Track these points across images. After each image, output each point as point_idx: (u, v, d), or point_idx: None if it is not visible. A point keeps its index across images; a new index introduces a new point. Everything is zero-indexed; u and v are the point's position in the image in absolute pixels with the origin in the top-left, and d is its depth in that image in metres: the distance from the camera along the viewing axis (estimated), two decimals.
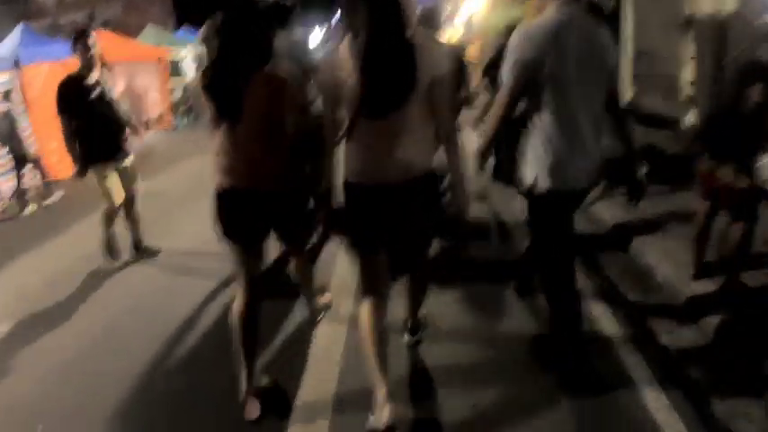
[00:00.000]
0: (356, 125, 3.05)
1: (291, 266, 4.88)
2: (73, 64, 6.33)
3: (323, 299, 4.90)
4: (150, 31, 21.83)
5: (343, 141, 3.17)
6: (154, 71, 19.16)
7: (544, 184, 3.41)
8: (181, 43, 21.95)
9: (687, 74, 8.12)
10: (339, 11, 3.73)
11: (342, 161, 3.24)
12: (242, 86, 3.35)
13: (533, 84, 3.29)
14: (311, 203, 4.06)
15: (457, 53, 6.69)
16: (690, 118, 8.01)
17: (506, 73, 3.34)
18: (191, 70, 21.78)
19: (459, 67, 6.42)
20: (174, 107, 20.37)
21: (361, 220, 3.28)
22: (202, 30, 3.48)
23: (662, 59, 8.71)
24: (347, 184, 3.24)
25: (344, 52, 3.00)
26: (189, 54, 21.92)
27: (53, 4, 31.62)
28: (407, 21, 2.89)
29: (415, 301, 4.07)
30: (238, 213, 3.57)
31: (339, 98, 3.06)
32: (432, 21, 6.32)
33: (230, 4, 3.43)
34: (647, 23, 9.27)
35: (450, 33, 26.75)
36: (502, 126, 3.41)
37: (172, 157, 14.08)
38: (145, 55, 19.03)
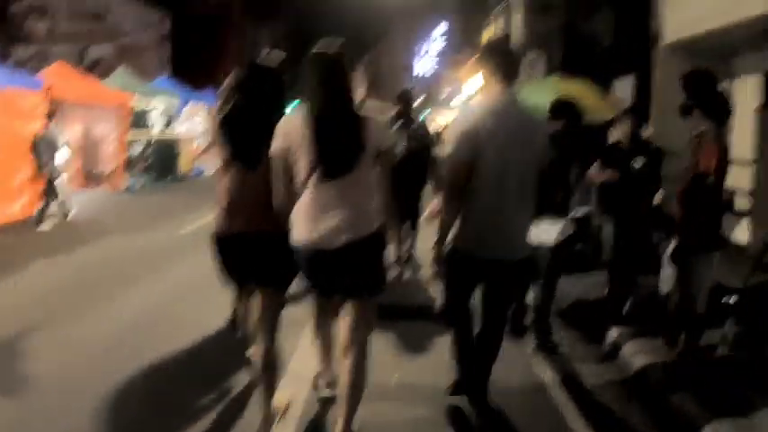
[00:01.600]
0: (307, 188, 3.20)
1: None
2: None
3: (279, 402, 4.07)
4: (120, 74, 18.99)
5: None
6: (113, 119, 16.24)
7: (461, 246, 3.72)
8: (154, 93, 19.00)
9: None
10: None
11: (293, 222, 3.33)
12: (261, 133, 3.38)
13: (469, 162, 3.52)
14: None
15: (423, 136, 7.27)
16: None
17: (447, 155, 3.67)
18: (159, 123, 18.87)
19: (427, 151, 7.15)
20: (131, 163, 17.35)
21: (312, 277, 3.43)
22: (227, 80, 3.71)
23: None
24: (297, 246, 3.30)
25: (297, 120, 3.21)
26: (160, 105, 18.99)
27: (43, 33, 28.64)
28: (352, 93, 3.26)
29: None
30: (249, 256, 3.59)
31: (291, 164, 3.22)
32: (408, 99, 7.48)
33: (251, 64, 3.68)
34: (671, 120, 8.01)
35: (447, 115, 25.06)
36: (456, 204, 3.65)
37: (94, 231, 10.85)
38: (105, 99, 16.28)
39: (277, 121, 3.35)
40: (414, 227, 7.32)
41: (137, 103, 17.47)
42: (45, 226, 10.92)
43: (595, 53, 12.66)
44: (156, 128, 18.73)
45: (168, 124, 19.41)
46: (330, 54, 3.30)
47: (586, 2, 13.95)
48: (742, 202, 8.56)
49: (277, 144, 3.24)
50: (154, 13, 32.83)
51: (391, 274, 4.01)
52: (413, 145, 6.86)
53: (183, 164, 20.09)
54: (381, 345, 4.94)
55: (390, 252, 5.84)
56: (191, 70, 32.08)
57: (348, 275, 3.34)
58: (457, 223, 3.67)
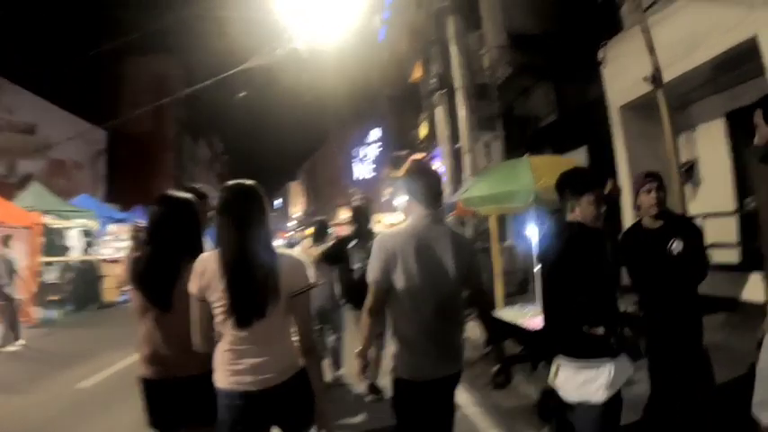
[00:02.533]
0: (225, 333, 3.06)
1: None
2: None
3: None
4: (33, 191, 17.00)
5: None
6: (23, 241, 14.45)
7: (402, 374, 3.55)
8: (72, 212, 17.15)
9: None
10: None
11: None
12: (173, 277, 3.34)
13: (385, 285, 3.50)
14: None
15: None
16: None
17: (368, 276, 3.56)
18: (78, 246, 17.10)
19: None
20: (43, 292, 15.22)
21: (233, 422, 3.12)
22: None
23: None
24: (218, 390, 3.14)
25: (213, 259, 3.04)
26: (79, 226, 17.22)
27: None
28: (267, 232, 3.09)
29: None
30: (175, 402, 3.43)
31: (209, 303, 3.06)
32: (363, 215, 7.46)
33: (164, 199, 3.55)
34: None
35: (390, 216, 24.79)
36: (373, 326, 3.61)
37: None
38: (13, 218, 14.35)
39: (194, 257, 3.19)
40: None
41: (51, 223, 15.68)
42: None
43: (537, 131, 12.06)
44: (74, 251, 16.98)
45: (89, 247, 17.68)
46: (244, 189, 3.14)
47: (522, 84, 13.46)
48: (729, 255, 8.46)
49: (193, 284, 3.10)
50: (88, 128, 30.62)
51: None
52: None
53: (108, 290, 17.91)
54: None
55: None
56: (125, 188, 31.13)
57: (276, 417, 3.18)
58: (393, 352, 3.61)
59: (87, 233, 17.41)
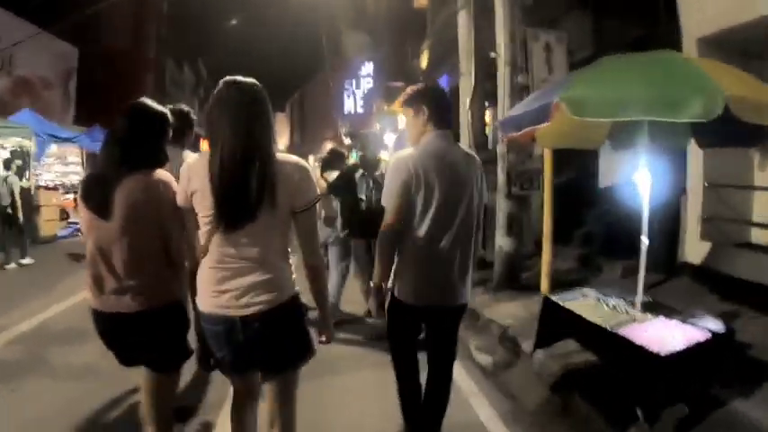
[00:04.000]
0: (211, 240, 2.77)
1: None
2: None
3: None
4: None
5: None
6: None
7: (400, 295, 3.55)
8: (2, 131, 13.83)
9: None
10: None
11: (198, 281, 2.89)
12: (111, 187, 3.10)
13: (406, 208, 3.41)
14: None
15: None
16: None
17: (385, 199, 3.47)
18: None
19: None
20: None
21: (219, 350, 2.91)
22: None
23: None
24: (202, 314, 2.88)
25: (201, 163, 2.76)
26: (7, 145, 14.00)
27: None
28: (269, 133, 2.77)
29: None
30: (123, 337, 3.30)
31: (194, 217, 2.84)
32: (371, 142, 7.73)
33: (132, 107, 3.33)
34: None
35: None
36: (391, 249, 3.50)
37: None
38: None
39: (151, 168, 3.17)
40: None
41: None
42: None
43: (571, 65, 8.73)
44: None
45: (22, 170, 14.26)
46: (245, 84, 2.77)
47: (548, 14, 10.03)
48: None
49: (180, 191, 2.90)
50: (58, 43, 27.62)
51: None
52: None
53: (46, 223, 14.71)
54: (329, 393, 4.70)
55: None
56: (99, 110, 27.61)
57: (266, 349, 2.85)
58: (394, 273, 3.57)
59: (21, 154, 14.08)
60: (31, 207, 14.06)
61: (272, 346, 2.83)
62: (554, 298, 5.07)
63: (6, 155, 13.71)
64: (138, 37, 34.55)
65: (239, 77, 2.79)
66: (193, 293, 2.95)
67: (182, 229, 3.08)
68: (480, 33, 10.06)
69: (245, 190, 2.64)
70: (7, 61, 24.48)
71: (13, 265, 11.45)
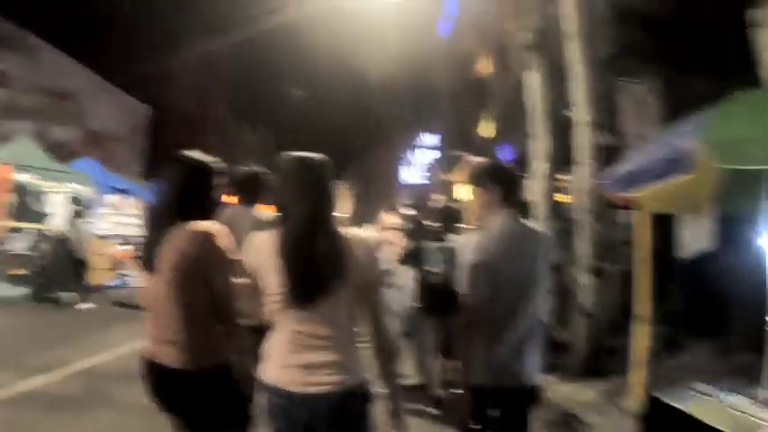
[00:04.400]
0: (279, 322, 2.69)
1: None
2: None
3: None
4: (18, 143, 13.66)
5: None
6: None
7: (477, 379, 3.32)
8: (61, 176, 13.74)
9: None
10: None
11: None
12: (157, 241, 2.98)
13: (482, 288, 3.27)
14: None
15: None
16: None
17: (464, 281, 3.36)
18: (62, 215, 13.58)
19: None
20: (6, 264, 11.87)
21: (273, 423, 2.70)
22: None
23: None
24: (264, 386, 2.70)
25: (268, 236, 2.70)
26: (67, 190, 13.73)
27: (3, 98, 23.56)
28: (334, 208, 2.73)
29: None
30: (159, 388, 3.04)
31: (259, 285, 2.72)
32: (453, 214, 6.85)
33: (175, 158, 3.21)
34: None
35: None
36: (473, 339, 3.33)
37: None
38: None
39: (197, 219, 3.02)
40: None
41: (29, 182, 12.47)
42: None
43: None
44: (55, 219, 13.42)
45: (77, 217, 14.15)
46: (313, 160, 2.76)
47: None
48: None
49: (248, 260, 2.76)
50: (130, 101, 28.48)
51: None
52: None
53: (96, 272, 14.26)
54: None
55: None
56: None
57: (332, 429, 2.64)
58: (467, 357, 3.38)
59: (77, 201, 13.96)
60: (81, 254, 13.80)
61: (331, 427, 2.66)
62: (664, 398, 4.16)
63: (66, 201, 13.60)
64: (206, 99, 35.33)
65: (308, 154, 2.78)
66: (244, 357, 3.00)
67: (230, 285, 2.96)
68: (552, 92, 9.42)
69: (316, 265, 2.59)
70: (80, 113, 25.38)
71: (79, 306, 11.94)
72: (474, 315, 3.28)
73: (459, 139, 24.16)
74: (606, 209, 7.23)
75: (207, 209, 3.17)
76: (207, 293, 2.97)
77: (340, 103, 44.37)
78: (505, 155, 16.05)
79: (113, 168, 18.74)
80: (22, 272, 12.13)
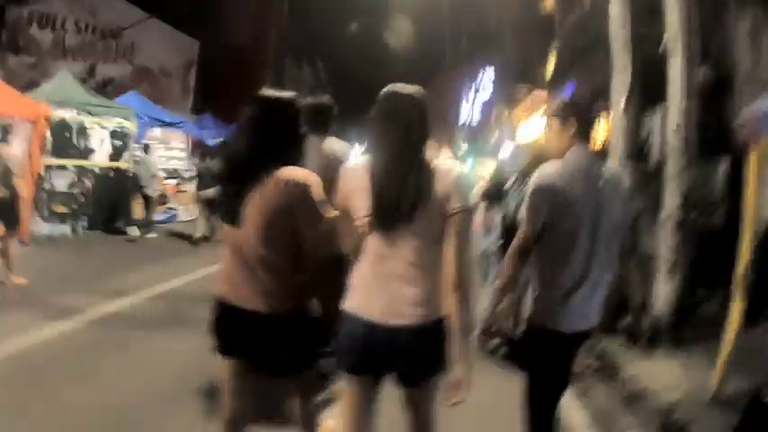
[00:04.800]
0: (365, 242, 2.72)
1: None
2: None
3: None
4: (59, 80, 12.90)
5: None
6: (23, 138, 10.55)
7: (539, 322, 3.28)
8: (103, 111, 13.04)
9: None
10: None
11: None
12: (243, 192, 2.79)
13: (543, 229, 3.19)
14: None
15: None
16: None
17: (525, 213, 3.26)
18: (104, 150, 12.97)
19: None
20: (44, 201, 11.33)
21: (351, 353, 2.73)
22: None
23: None
24: (349, 316, 2.73)
25: (360, 165, 2.76)
26: (109, 126, 13.05)
27: (47, 44, 23.41)
28: (426, 142, 2.74)
29: None
30: (233, 330, 2.96)
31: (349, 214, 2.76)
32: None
33: (259, 99, 2.94)
34: None
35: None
36: (519, 271, 3.29)
37: None
38: (10, 109, 10.36)
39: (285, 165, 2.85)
40: None
41: (71, 118, 11.80)
42: None
43: None
44: (99, 155, 12.80)
45: (122, 152, 13.53)
46: (406, 90, 2.78)
47: None
48: None
49: (339, 189, 2.82)
50: (179, 36, 27.80)
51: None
52: None
53: (140, 206, 13.75)
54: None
55: None
56: (216, 103, 27.47)
57: (403, 361, 2.68)
58: (531, 298, 3.33)
59: (120, 135, 13.33)
60: (127, 189, 13.45)
61: (410, 359, 2.68)
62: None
63: (109, 136, 13.09)
64: (258, 34, 34.28)
65: (402, 86, 2.82)
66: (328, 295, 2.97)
67: (320, 236, 2.87)
68: (637, 22, 8.15)
69: (404, 190, 2.63)
70: (129, 49, 25.10)
71: (134, 237, 12.81)
72: (527, 243, 3.21)
73: (520, 77, 22.83)
74: (700, 156, 6.19)
75: (295, 153, 2.97)
76: (296, 243, 2.87)
77: (398, 37, 43.17)
78: (572, 91, 14.83)
79: (163, 104, 18.61)
80: (62, 209, 11.68)
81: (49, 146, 11.28)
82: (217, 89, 29.41)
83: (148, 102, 15.83)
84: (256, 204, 2.78)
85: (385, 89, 2.81)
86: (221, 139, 17.83)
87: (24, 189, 8.64)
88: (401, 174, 2.64)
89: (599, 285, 3.28)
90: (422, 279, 2.64)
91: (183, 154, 17.72)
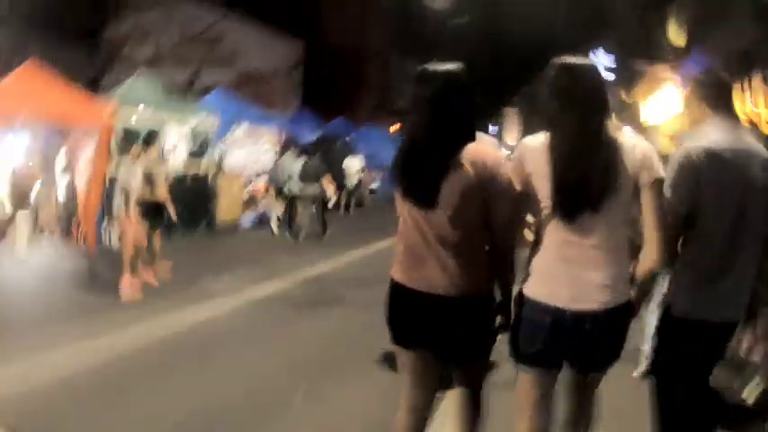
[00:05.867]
0: (548, 235, 2.62)
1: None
2: None
3: None
4: (136, 82, 11.95)
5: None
6: (90, 141, 9.73)
7: (682, 307, 3.01)
8: (180, 111, 12.01)
9: None
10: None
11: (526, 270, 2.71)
12: (443, 168, 2.65)
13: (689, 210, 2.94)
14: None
15: None
16: None
17: (669, 192, 2.88)
18: (176, 153, 12.06)
19: None
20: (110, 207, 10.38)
21: (533, 342, 2.65)
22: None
23: None
24: (533, 304, 2.65)
25: (539, 143, 2.63)
26: (184, 125, 12.06)
27: (145, 57, 23.13)
28: (606, 116, 2.59)
29: None
30: (414, 317, 2.83)
31: (526, 197, 2.66)
32: None
33: (425, 74, 2.74)
34: None
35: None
36: (667, 255, 2.81)
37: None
38: (74, 117, 9.51)
39: (465, 144, 2.66)
40: None
41: (144, 120, 10.95)
42: None
43: None
44: (176, 156, 11.94)
45: (201, 152, 12.56)
46: (583, 64, 2.67)
47: None
48: None
49: (515, 174, 2.67)
50: (281, 38, 27.63)
51: None
52: None
53: (226, 208, 12.88)
54: None
55: None
56: (323, 102, 27.20)
57: (586, 348, 2.62)
58: (670, 282, 3.10)
59: (201, 134, 12.34)
60: (208, 192, 12.55)
61: (593, 345, 2.59)
62: None
63: (187, 137, 12.36)
64: (362, 32, 34.08)
65: (576, 58, 2.68)
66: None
67: (512, 217, 2.72)
68: None
69: (588, 178, 2.49)
70: (230, 55, 24.80)
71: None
72: (677, 225, 2.86)
73: (641, 52, 20.48)
74: None
75: (473, 129, 2.77)
76: (484, 223, 2.73)
77: (504, 27, 41.58)
78: (702, 64, 12.75)
79: (269, 106, 18.42)
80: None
81: (117, 149, 10.44)
82: (324, 89, 29.53)
83: (234, 99, 14.95)
84: (451, 184, 2.62)
85: (554, 63, 2.65)
86: (317, 136, 16.93)
87: (95, 195, 9.09)
88: (586, 155, 2.50)
89: (745, 270, 3.00)
90: (609, 263, 2.53)
91: (272, 151, 16.68)
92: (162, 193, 8.00)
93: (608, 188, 2.48)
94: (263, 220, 14.23)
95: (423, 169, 2.70)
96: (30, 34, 13.29)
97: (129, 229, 7.93)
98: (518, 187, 2.64)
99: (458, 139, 2.66)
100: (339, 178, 17.95)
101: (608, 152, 2.49)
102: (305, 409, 4.51)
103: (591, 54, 32.00)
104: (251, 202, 14.27)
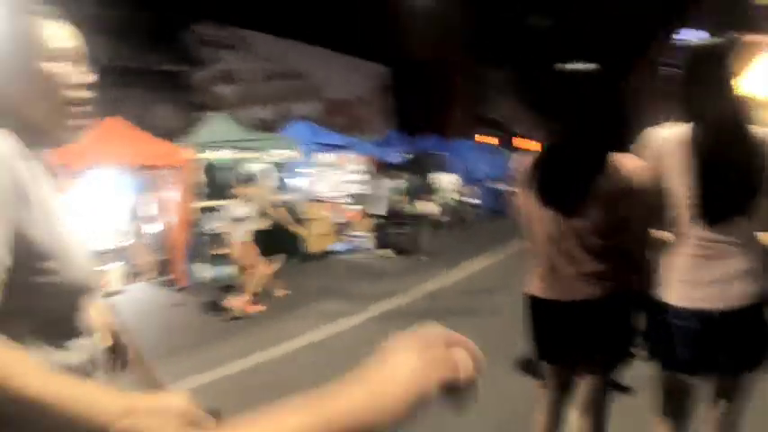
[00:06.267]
0: (684, 234, 2.49)
1: None
2: None
3: None
4: (212, 123, 12.08)
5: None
6: (168, 182, 10.09)
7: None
8: (262, 145, 12.16)
9: None
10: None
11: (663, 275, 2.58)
12: (591, 172, 2.60)
13: None
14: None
15: None
16: None
17: None
18: (267, 184, 12.01)
19: None
20: (203, 245, 10.54)
21: (680, 348, 2.52)
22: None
23: None
24: (670, 309, 2.53)
25: (676, 137, 2.44)
26: (267, 161, 12.24)
27: (234, 98, 23.69)
28: (747, 109, 2.39)
29: None
30: (556, 329, 2.82)
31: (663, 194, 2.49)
32: None
33: (565, 74, 2.68)
34: None
35: None
36: None
37: None
38: (153, 158, 9.88)
39: (606, 154, 2.59)
40: None
41: (221, 159, 11.27)
42: None
43: None
44: (263, 188, 11.87)
45: (282, 183, 12.66)
46: (721, 45, 2.47)
47: None
48: None
49: (651, 163, 2.52)
50: (363, 66, 28.05)
51: None
52: None
53: (314, 238, 12.80)
54: None
55: None
56: (416, 121, 27.43)
57: (734, 349, 2.47)
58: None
59: (281, 166, 12.43)
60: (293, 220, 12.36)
61: (738, 344, 2.44)
62: None
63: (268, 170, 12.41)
64: (445, 47, 33.71)
65: (712, 40, 2.49)
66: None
67: (648, 217, 2.63)
68: None
69: (732, 178, 2.31)
70: (317, 87, 25.28)
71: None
72: None
73: (732, 22, 19.25)
74: None
75: (622, 133, 2.84)
76: (623, 228, 2.63)
77: (592, 29, 40.50)
78: None
79: (362, 133, 18.55)
80: (224, 251, 10.64)
81: (201, 189, 10.65)
82: (411, 108, 29.58)
83: (316, 127, 14.97)
84: (597, 191, 2.55)
85: (690, 45, 2.48)
86: (407, 155, 16.83)
87: (182, 234, 9.62)
88: (735, 151, 2.31)
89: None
90: (748, 255, 2.38)
91: (359, 177, 16.50)
92: (283, 220, 9.17)
93: (753, 191, 2.35)
94: (356, 246, 14.07)
95: (571, 176, 2.63)
96: (123, 84, 13.72)
97: (245, 256, 8.58)
98: (653, 183, 2.52)
99: (607, 145, 2.60)
100: (436, 195, 17.63)
101: (753, 149, 2.34)
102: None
103: (678, 34, 30.60)
104: (343, 228, 14.16)
